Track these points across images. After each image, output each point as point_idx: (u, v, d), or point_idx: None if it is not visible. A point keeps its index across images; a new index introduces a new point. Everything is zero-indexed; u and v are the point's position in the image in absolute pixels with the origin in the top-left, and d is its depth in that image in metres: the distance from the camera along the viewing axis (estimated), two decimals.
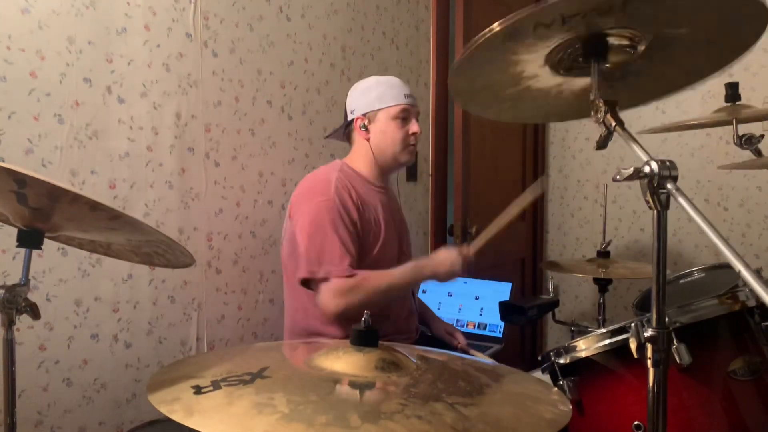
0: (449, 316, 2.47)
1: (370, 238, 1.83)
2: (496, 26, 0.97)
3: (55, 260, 1.56)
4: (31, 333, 1.52)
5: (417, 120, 1.90)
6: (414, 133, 1.89)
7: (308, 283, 1.77)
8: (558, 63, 1.12)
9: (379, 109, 1.87)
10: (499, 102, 1.29)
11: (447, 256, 1.81)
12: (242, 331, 2.06)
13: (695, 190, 3.04)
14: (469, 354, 2.06)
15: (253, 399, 0.86)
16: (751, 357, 1.35)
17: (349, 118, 1.92)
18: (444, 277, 1.82)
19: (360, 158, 1.92)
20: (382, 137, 1.88)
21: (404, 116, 1.88)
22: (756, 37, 1.04)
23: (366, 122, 1.88)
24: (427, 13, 2.91)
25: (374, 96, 1.88)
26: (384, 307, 1.83)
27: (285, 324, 1.94)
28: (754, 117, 1.87)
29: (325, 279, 1.71)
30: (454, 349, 2.09)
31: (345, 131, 1.97)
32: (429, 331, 2.16)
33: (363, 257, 1.80)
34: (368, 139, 1.88)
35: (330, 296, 1.71)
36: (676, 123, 2.14)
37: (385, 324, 1.85)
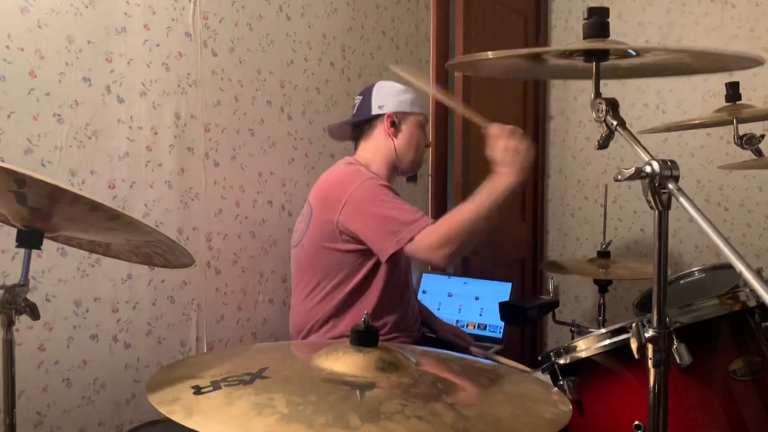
0: (449, 317, 2.46)
1: None
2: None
3: (54, 260, 1.56)
4: (30, 333, 1.52)
5: None
6: (428, 145, 1.95)
7: (395, 256, 1.71)
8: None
9: (411, 113, 1.89)
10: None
11: (505, 151, 1.64)
12: (242, 332, 2.06)
13: (695, 190, 3.04)
14: (475, 354, 2.05)
15: (252, 399, 0.86)
16: (751, 357, 1.35)
17: (374, 113, 1.88)
18: (523, 177, 1.66)
19: (376, 156, 1.89)
20: (407, 141, 1.88)
21: (425, 127, 1.93)
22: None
23: (396, 121, 1.87)
24: (427, 12, 2.90)
25: (408, 99, 1.89)
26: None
27: (291, 323, 1.94)
28: (754, 117, 1.87)
29: (412, 239, 1.66)
30: (465, 351, 2.06)
31: (364, 125, 1.91)
32: (433, 333, 2.14)
33: (369, 255, 1.79)
34: (394, 139, 1.87)
35: (430, 253, 1.65)
36: (676, 123, 2.14)
37: (393, 321, 1.86)
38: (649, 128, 2.17)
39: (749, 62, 1.01)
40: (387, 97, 1.89)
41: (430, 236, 1.65)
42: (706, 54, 0.97)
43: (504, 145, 1.65)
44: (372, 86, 1.94)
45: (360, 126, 1.93)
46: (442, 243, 1.64)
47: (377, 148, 1.89)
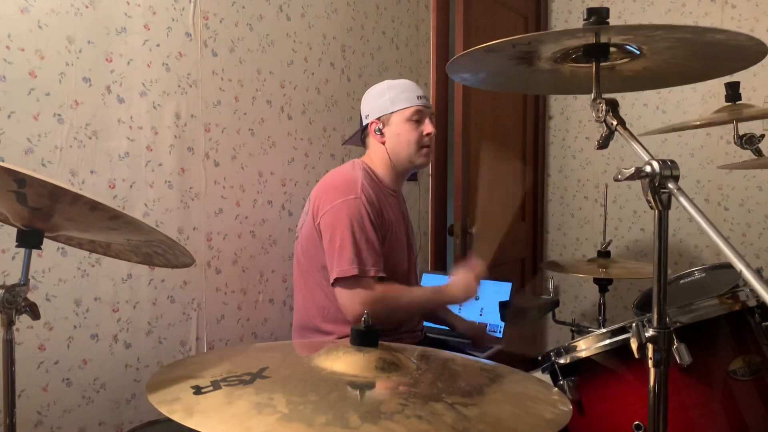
0: None
1: (384, 242, 1.83)
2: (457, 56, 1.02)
3: (54, 260, 1.56)
4: (30, 333, 1.52)
5: (432, 121, 1.90)
6: (428, 134, 1.89)
7: (341, 280, 1.75)
8: (557, 60, 1.13)
9: (392, 112, 1.88)
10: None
11: (464, 280, 1.88)
12: (242, 331, 2.06)
13: (695, 190, 3.04)
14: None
15: (252, 399, 0.86)
16: (751, 357, 1.35)
17: (363, 123, 1.93)
18: (462, 300, 1.93)
19: (376, 162, 1.92)
20: (396, 140, 1.88)
21: (418, 118, 1.88)
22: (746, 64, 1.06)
23: (380, 126, 1.89)
24: (427, 12, 2.90)
25: (387, 99, 1.89)
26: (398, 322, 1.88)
27: (294, 320, 1.94)
28: (754, 116, 1.87)
29: (355, 277, 1.71)
30: (482, 345, 2.14)
31: (361, 136, 1.98)
32: (452, 328, 2.17)
33: None
34: (383, 143, 1.90)
35: (355, 300, 1.71)
36: (676, 124, 2.13)
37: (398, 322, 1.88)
38: (648, 130, 2.17)
39: (755, 45, 1.00)
40: (370, 104, 1.92)
41: (367, 292, 1.72)
42: (708, 30, 0.96)
43: (470, 277, 1.88)
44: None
45: (362, 136, 1.98)
46: (370, 302, 1.69)
47: (375, 154, 1.93)
